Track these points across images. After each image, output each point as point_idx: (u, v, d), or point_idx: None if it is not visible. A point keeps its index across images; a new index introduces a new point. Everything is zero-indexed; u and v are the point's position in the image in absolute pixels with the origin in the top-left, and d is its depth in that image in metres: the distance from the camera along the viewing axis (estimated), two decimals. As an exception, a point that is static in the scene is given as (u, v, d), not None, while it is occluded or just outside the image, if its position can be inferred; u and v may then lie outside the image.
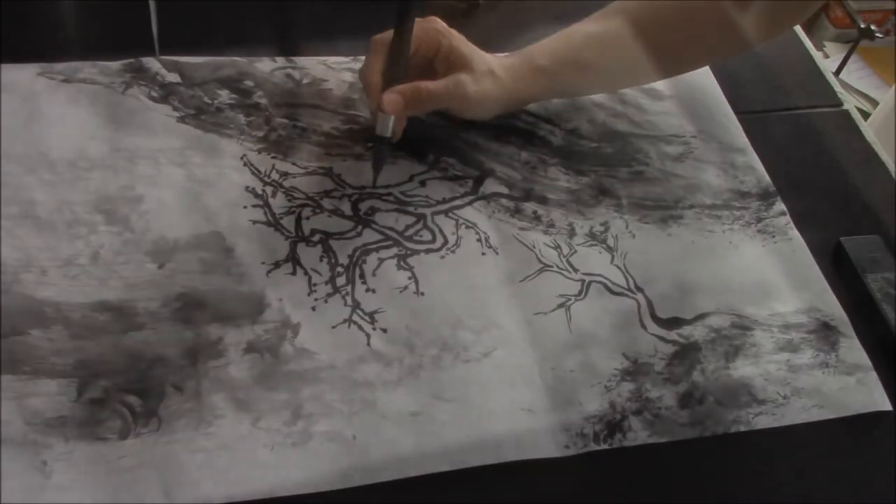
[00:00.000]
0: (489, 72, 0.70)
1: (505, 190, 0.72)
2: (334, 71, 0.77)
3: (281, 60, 0.76)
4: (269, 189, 0.67)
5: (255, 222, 0.65)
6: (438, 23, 0.70)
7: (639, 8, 0.74)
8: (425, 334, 0.62)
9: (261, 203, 0.66)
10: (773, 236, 0.74)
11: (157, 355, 0.57)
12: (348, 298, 0.63)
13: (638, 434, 0.60)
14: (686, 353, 0.65)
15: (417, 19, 0.67)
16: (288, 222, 0.66)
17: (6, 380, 0.55)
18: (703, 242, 0.72)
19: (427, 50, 0.69)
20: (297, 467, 0.55)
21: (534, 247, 0.69)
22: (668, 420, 0.61)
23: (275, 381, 0.58)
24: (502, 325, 0.64)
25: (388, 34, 0.67)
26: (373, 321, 0.62)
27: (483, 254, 0.67)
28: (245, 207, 0.66)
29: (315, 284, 0.63)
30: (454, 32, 0.70)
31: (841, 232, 0.75)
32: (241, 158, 0.69)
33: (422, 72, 0.69)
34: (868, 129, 0.86)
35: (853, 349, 0.68)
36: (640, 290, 0.68)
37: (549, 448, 0.59)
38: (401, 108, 0.67)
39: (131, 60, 0.73)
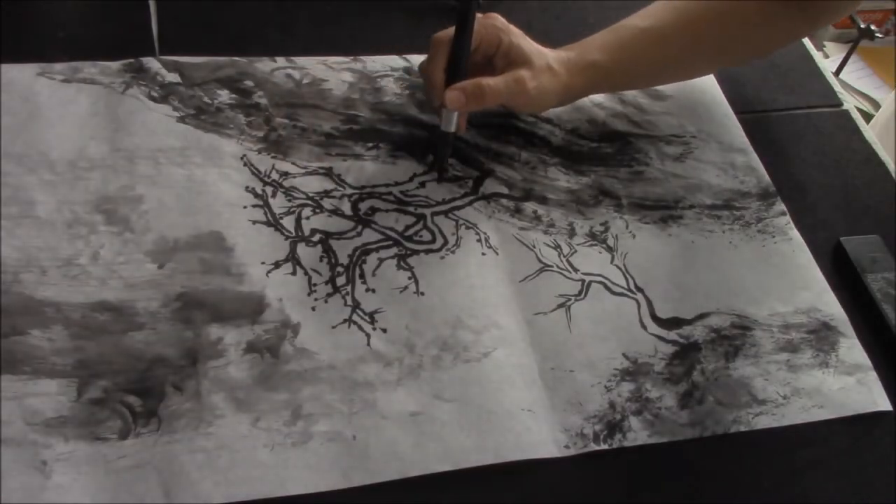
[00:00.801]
0: (547, 67, 0.70)
1: (505, 190, 0.72)
2: (334, 71, 0.77)
3: (281, 60, 0.76)
4: (269, 189, 0.67)
5: (255, 222, 0.65)
6: (498, 19, 0.71)
7: (688, 3, 0.75)
8: (425, 334, 0.62)
9: (261, 203, 0.66)
10: (773, 236, 0.74)
11: (157, 355, 0.57)
12: (348, 298, 0.63)
13: (638, 434, 0.60)
14: (686, 353, 0.65)
15: (478, 15, 0.68)
16: (288, 222, 0.66)
17: (6, 380, 0.55)
18: (703, 242, 0.72)
19: (488, 46, 0.70)
20: (297, 467, 0.55)
21: (534, 247, 0.69)
22: (668, 420, 0.61)
23: (275, 381, 0.58)
24: (502, 325, 0.63)
25: (449, 31, 0.68)
26: (373, 321, 0.62)
27: (483, 254, 0.67)
28: (245, 207, 0.66)
29: (315, 284, 0.63)
30: (513, 28, 0.71)
31: (841, 232, 0.75)
32: (241, 158, 0.69)
33: (481, 67, 0.70)
34: (868, 129, 0.86)
35: (853, 349, 0.68)
36: (640, 290, 0.68)
37: (549, 448, 0.59)
38: (463, 105, 0.67)
39: (131, 60, 0.73)
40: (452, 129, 0.69)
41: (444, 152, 0.71)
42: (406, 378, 0.60)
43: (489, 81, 0.68)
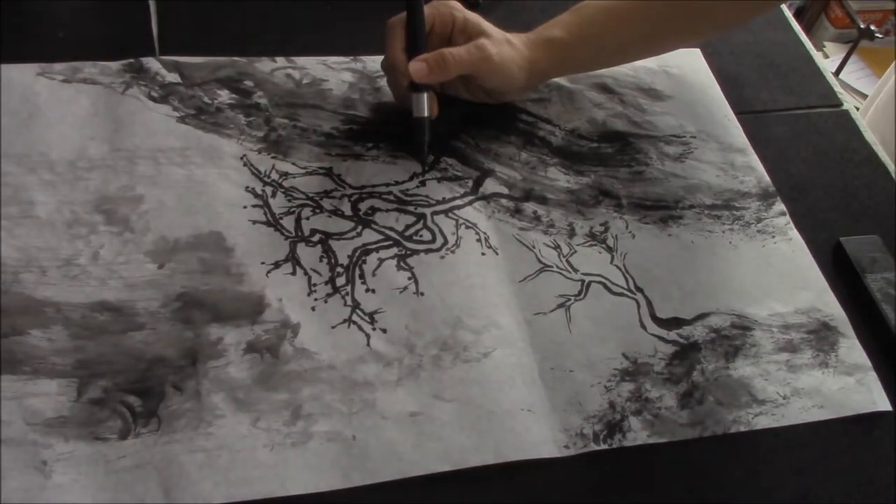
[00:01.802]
0: (506, 40, 0.71)
1: (505, 190, 0.72)
2: (334, 71, 0.77)
3: (281, 60, 0.76)
4: (268, 189, 0.67)
5: (254, 222, 0.65)
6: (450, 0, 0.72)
7: None
8: (425, 334, 0.62)
9: (261, 203, 0.66)
10: (773, 236, 0.74)
11: (157, 355, 0.58)
12: (348, 298, 0.63)
13: (638, 434, 0.60)
14: (686, 354, 0.65)
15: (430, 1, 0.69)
16: (288, 222, 0.66)
17: (6, 380, 0.55)
18: (702, 243, 0.72)
19: (442, 26, 0.71)
20: (297, 467, 0.55)
21: (534, 247, 0.69)
22: (668, 420, 0.61)
23: (275, 381, 0.58)
24: (502, 325, 0.63)
25: (401, 15, 0.69)
26: (373, 321, 0.62)
27: (483, 254, 0.67)
28: (245, 207, 0.66)
29: (315, 284, 0.63)
30: (465, 8, 0.72)
31: (841, 232, 0.75)
32: (241, 158, 0.69)
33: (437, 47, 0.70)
34: (867, 129, 0.86)
35: (853, 349, 0.68)
36: (639, 290, 0.68)
37: (548, 448, 0.59)
38: (427, 75, 0.68)
39: (131, 60, 0.73)
40: (426, 112, 0.70)
41: (422, 139, 0.70)
42: (406, 378, 0.60)
43: (451, 50, 0.69)
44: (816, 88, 0.89)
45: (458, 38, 0.71)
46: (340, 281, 0.64)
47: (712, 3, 0.75)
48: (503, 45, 0.71)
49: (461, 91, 0.76)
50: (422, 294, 0.64)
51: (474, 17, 0.71)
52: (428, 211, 0.69)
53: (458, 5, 0.72)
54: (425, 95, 0.69)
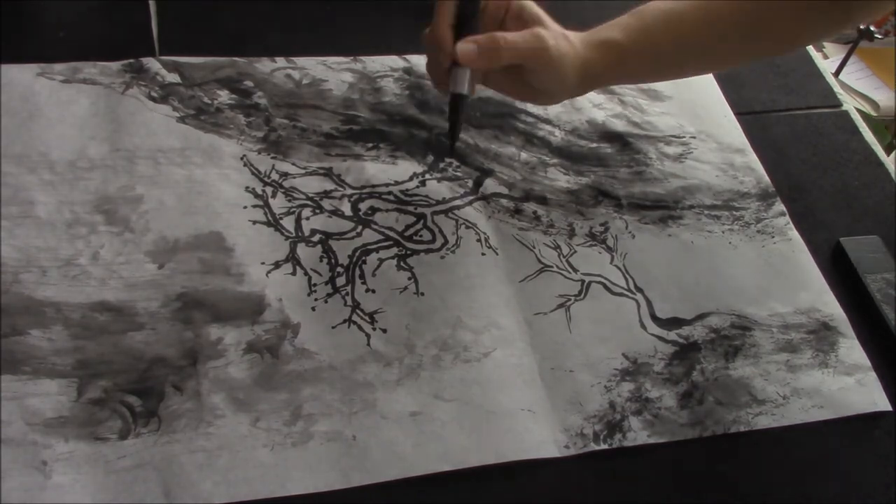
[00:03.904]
0: (563, 35, 0.65)
1: (505, 190, 0.72)
2: (334, 71, 0.77)
3: (281, 61, 0.76)
4: (269, 189, 0.67)
5: (255, 222, 0.65)
6: None
7: None
8: (425, 334, 0.62)
9: (261, 203, 0.66)
10: (773, 237, 0.74)
11: (157, 355, 0.57)
12: (348, 298, 0.63)
13: (638, 434, 0.60)
14: (686, 354, 0.65)
15: None
16: (288, 222, 0.66)
17: (6, 380, 0.55)
18: (702, 243, 0.72)
19: (496, 8, 0.65)
20: (297, 467, 0.55)
21: (534, 247, 0.69)
22: (668, 420, 0.61)
23: (275, 382, 0.58)
24: (502, 325, 0.63)
25: None
26: (373, 321, 0.62)
27: (483, 254, 0.67)
28: (245, 207, 0.66)
29: (315, 284, 0.63)
30: None
31: (840, 232, 0.75)
32: (241, 159, 0.69)
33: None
34: (867, 130, 0.86)
35: (853, 349, 0.68)
36: (639, 290, 0.68)
37: (548, 448, 0.59)
38: (475, 58, 0.61)
39: (131, 60, 0.73)
40: (465, 90, 0.63)
41: (457, 119, 0.65)
42: (406, 378, 0.60)
43: (505, 35, 0.62)
44: (816, 89, 0.89)
45: (511, 23, 0.65)
46: (340, 281, 0.64)
47: (780, 22, 0.69)
48: (561, 39, 0.64)
49: (504, 86, 0.69)
50: (422, 294, 0.64)
51: (531, 4, 0.65)
52: (428, 211, 0.69)
53: None
54: (468, 71, 0.63)
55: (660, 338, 0.66)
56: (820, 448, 0.63)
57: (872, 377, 0.67)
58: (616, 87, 0.82)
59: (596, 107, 0.81)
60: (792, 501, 0.60)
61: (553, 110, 0.79)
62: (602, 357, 0.64)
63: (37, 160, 0.65)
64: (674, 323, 0.67)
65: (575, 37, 0.66)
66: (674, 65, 0.72)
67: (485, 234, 0.69)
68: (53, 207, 0.63)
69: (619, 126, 0.80)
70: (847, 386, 0.66)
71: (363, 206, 0.68)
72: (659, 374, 0.64)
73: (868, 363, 0.67)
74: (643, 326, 0.66)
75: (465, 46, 0.61)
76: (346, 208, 0.68)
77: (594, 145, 0.78)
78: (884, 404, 0.65)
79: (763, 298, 0.70)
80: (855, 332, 0.69)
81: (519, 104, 0.78)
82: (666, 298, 0.68)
